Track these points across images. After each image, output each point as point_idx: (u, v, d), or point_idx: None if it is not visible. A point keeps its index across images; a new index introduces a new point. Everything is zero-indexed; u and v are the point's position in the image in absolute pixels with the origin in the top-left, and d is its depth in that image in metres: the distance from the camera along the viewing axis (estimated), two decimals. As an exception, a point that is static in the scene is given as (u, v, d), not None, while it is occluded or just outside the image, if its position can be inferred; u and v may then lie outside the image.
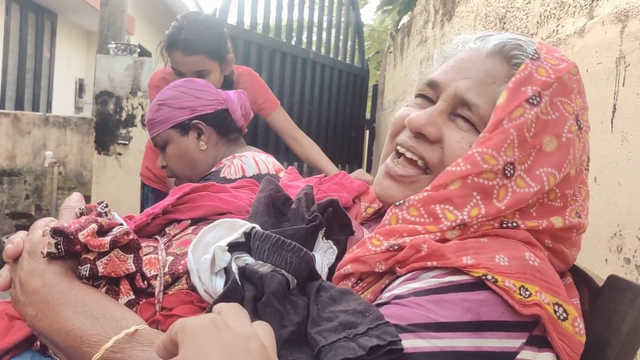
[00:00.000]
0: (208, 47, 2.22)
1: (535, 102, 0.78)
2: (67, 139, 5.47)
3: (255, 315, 0.69)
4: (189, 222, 1.05)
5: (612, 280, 0.87)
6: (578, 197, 0.85)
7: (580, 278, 0.92)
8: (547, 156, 0.79)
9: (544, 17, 1.90)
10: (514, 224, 0.78)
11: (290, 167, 1.40)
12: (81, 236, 0.76)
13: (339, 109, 5.41)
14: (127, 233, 0.80)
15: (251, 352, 0.49)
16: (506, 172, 0.77)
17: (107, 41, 5.78)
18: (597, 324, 0.84)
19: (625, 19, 1.38)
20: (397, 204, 0.82)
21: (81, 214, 0.85)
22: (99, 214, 0.84)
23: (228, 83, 2.39)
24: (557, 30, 1.81)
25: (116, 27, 6.27)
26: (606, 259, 1.38)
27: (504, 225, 0.78)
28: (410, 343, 0.64)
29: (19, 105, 9.10)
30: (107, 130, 4.99)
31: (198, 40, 2.20)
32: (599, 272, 0.92)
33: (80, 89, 11.21)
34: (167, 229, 1.05)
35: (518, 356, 0.67)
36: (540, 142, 0.78)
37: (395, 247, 0.76)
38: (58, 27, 10.49)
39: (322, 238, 0.92)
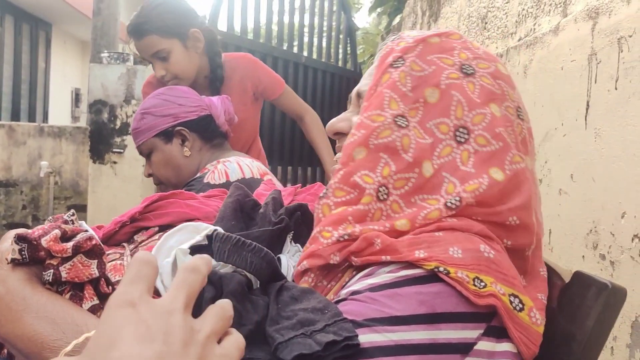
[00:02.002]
0: (157, 24, 2.02)
1: (398, 64, 0.85)
2: (63, 148, 5.49)
3: None
4: (156, 229, 1.05)
5: (578, 275, 0.88)
6: (513, 142, 0.83)
7: (549, 273, 0.93)
8: (433, 107, 0.82)
9: (522, 15, 1.92)
10: (457, 200, 0.77)
11: (267, 179, 1.41)
12: (44, 241, 0.76)
13: (332, 112, 5.42)
14: (90, 238, 0.79)
15: (169, 328, 0.46)
16: (398, 122, 0.81)
17: (101, 50, 5.78)
18: (564, 319, 0.85)
19: (596, 16, 1.39)
20: (321, 195, 0.84)
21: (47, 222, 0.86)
22: (65, 222, 0.84)
23: (215, 67, 2.22)
24: (535, 29, 1.82)
25: (109, 35, 6.29)
26: (583, 256, 1.39)
27: (448, 205, 0.78)
28: (366, 338, 0.65)
29: (15, 116, 9.12)
30: (101, 139, 4.99)
31: (145, 22, 2.03)
32: (577, 269, 0.92)
33: (77, 98, 11.25)
34: (135, 237, 1.06)
35: (476, 347, 0.67)
36: (423, 95, 0.83)
37: (346, 237, 0.77)
38: (53, 37, 10.51)
39: (291, 242, 0.92)
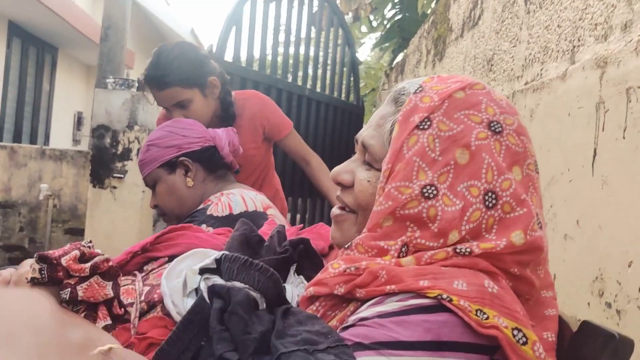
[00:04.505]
0: (179, 76, 2.08)
1: (425, 126, 0.82)
2: (63, 171, 5.49)
3: (220, 323, 0.73)
4: (166, 259, 1.09)
5: (585, 325, 0.88)
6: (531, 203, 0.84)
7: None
8: (464, 169, 0.81)
9: (529, 60, 1.94)
10: (468, 250, 0.78)
11: (270, 214, 1.43)
12: (63, 261, 0.80)
13: (334, 145, 5.44)
14: (106, 260, 0.84)
15: None
16: (425, 193, 0.80)
17: (106, 76, 5.82)
18: (570, 369, 0.85)
19: (604, 65, 1.41)
20: (346, 246, 0.86)
21: None
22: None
23: (226, 106, 2.26)
24: (541, 74, 1.84)
25: (115, 62, 6.34)
26: (588, 303, 1.38)
27: (457, 251, 0.78)
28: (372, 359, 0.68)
29: (17, 138, 9.15)
30: (102, 163, 5.00)
31: (167, 74, 2.07)
32: (582, 316, 0.92)
33: (79, 121, 11.30)
34: (145, 267, 1.10)
35: None
36: (453, 156, 0.81)
37: (352, 270, 0.79)
38: (59, 60, 10.60)
39: (294, 273, 0.96)
